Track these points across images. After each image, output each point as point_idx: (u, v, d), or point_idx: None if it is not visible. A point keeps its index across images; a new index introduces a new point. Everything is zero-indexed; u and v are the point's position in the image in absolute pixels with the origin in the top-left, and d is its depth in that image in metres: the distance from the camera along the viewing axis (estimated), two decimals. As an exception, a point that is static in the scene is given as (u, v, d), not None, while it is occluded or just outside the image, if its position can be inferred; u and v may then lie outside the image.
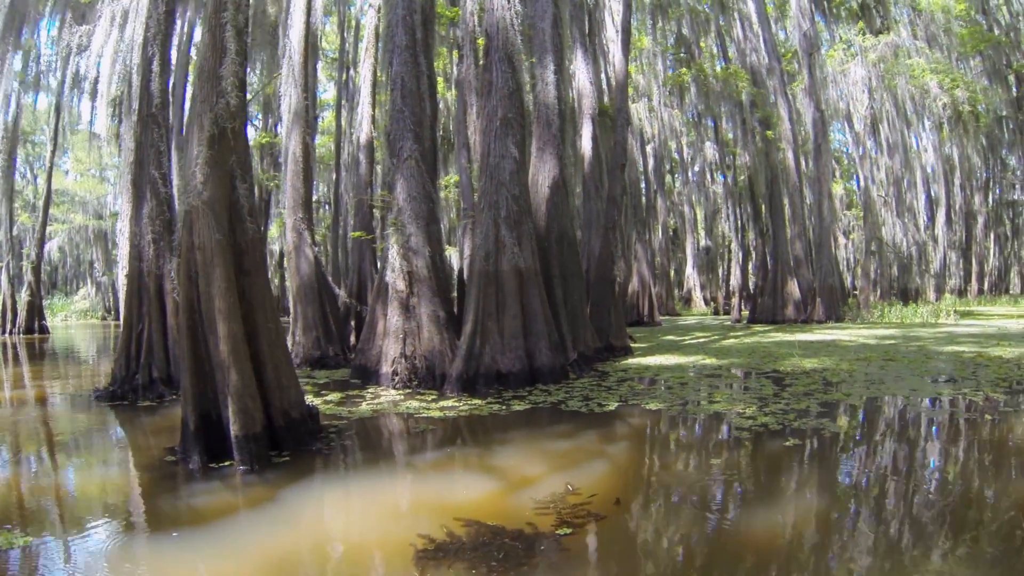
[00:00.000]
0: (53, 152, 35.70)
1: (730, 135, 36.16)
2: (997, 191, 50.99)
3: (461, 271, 14.67)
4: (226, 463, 7.04)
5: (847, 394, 10.83)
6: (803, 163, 34.95)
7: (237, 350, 7.19)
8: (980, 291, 47.65)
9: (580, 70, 22.44)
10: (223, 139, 7.79)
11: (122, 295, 15.93)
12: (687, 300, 45.02)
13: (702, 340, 22.50)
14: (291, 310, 16.31)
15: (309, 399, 10.99)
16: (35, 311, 34.15)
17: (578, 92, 22.79)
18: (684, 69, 30.46)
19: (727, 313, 39.34)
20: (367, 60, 22.79)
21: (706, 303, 45.54)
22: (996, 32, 42.18)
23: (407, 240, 12.78)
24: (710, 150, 39.82)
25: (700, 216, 48.33)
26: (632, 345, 19.07)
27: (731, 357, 16.68)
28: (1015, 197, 52.22)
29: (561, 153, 16.05)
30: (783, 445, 7.70)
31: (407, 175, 13.29)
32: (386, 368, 12.34)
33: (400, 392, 11.85)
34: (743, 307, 32.43)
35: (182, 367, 7.48)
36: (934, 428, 8.82)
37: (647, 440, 8.91)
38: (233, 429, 7.01)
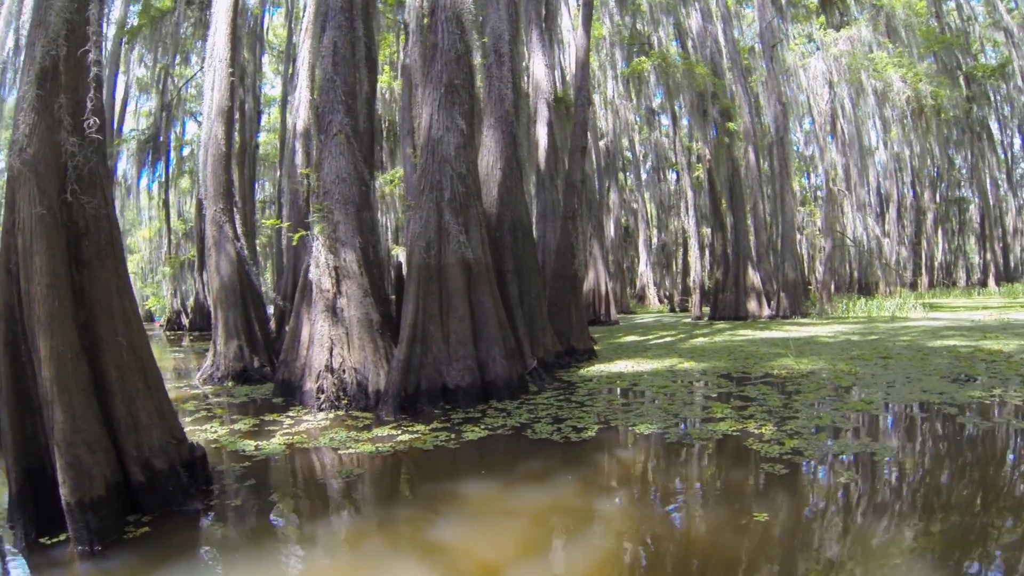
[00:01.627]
0: None
1: (686, 130, 34.24)
2: (943, 188, 50.10)
3: (400, 267, 12.20)
4: (62, 536, 4.96)
5: (868, 402, 8.83)
6: (762, 158, 33.22)
7: (63, 377, 5.02)
8: (930, 284, 46.64)
9: (536, 52, 20.15)
10: (57, 74, 5.47)
11: None
12: (640, 298, 42.91)
13: (668, 340, 20.40)
14: (212, 316, 13.61)
15: (212, 428, 8.51)
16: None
17: (533, 75, 20.51)
18: (644, 58, 28.33)
19: (684, 310, 37.40)
20: (307, 40, 20.19)
21: (660, 300, 43.60)
22: (947, 35, 41.34)
23: (334, 229, 10.29)
24: (665, 145, 37.90)
25: (652, 212, 46.42)
26: (595, 347, 16.76)
27: (709, 359, 14.48)
28: (961, 194, 51.52)
29: (515, 131, 13.68)
30: (839, 482, 5.57)
31: (335, 152, 10.80)
32: (310, 384, 9.82)
33: (327, 415, 9.34)
34: (703, 304, 30.41)
35: (0, 400, 5.23)
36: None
37: (651, 486, 6.35)
38: (62, 492, 4.87)
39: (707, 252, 34.44)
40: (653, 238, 44.69)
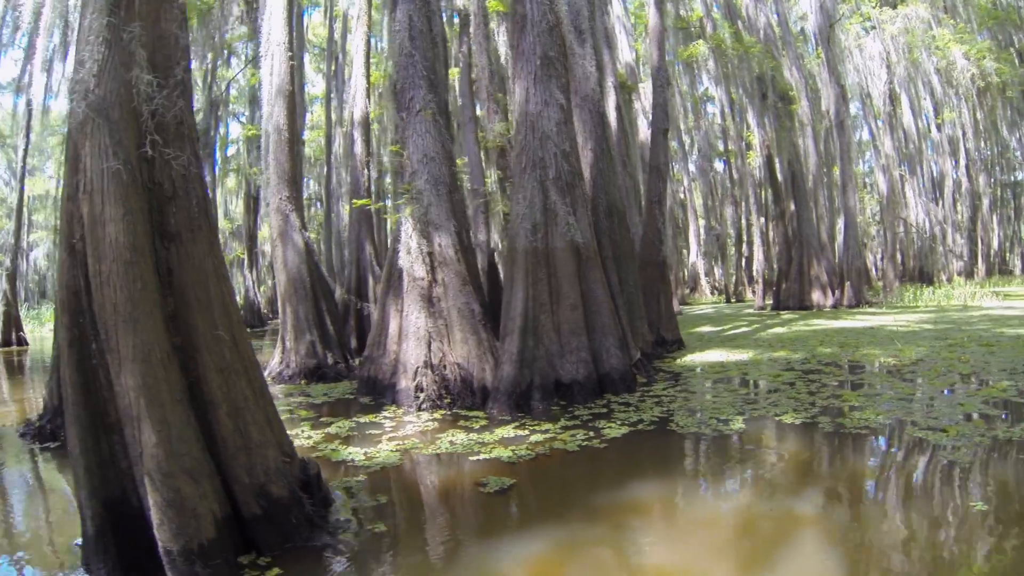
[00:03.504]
0: (26, 152, 31.89)
1: (738, 115, 32.75)
2: (997, 171, 47.85)
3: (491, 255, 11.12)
4: None
5: (1002, 388, 8.15)
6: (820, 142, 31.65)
7: (153, 384, 3.87)
8: (987, 272, 44.55)
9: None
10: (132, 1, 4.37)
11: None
12: (692, 288, 41.46)
13: (745, 329, 19.22)
14: (280, 311, 12.59)
15: (304, 433, 7.45)
16: (12, 322, 30.34)
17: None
18: (700, 41, 26.99)
19: (740, 300, 35.99)
20: (359, 29, 19.28)
21: (712, 291, 42.10)
22: (999, 11, 39.33)
23: (425, 212, 9.22)
24: (715, 133, 36.48)
25: (699, 202, 44.89)
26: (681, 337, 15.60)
27: (802, 349, 13.44)
28: (1017, 178, 49.23)
29: (603, 111, 12.57)
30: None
31: (421, 131, 9.75)
32: (405, 382, 8.75)
33: (431, 415, 8.25)
34: (765, 294, 28.96)
35: (67, 416, 4.02)
36: None
37: (841, 482, 5.37)
38: (159, 537, 3.66)
39: (771, 240, 32.96)
40: (701, 228, 43.21)
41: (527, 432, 7.13)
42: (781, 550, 4.12)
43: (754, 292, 39.38)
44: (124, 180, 4.10)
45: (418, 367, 8.60)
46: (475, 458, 6.22)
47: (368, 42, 18.45)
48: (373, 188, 18.09)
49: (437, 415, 8.25)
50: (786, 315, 24.61)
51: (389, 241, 29.08)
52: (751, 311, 27.78)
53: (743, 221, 37.79)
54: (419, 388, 8.54)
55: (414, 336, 8.80)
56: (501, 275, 12.79)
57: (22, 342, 30.64)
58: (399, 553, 4.32)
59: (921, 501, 4.79)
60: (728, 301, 37.03)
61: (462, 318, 8.82)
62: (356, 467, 6.14)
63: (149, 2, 4.44)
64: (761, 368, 11.28)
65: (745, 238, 38.11)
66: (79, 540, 4.15)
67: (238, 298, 32.95)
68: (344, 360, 12.30)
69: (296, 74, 15.51)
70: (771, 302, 28.26)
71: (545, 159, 9.22)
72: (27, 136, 31.37)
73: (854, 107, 45.92)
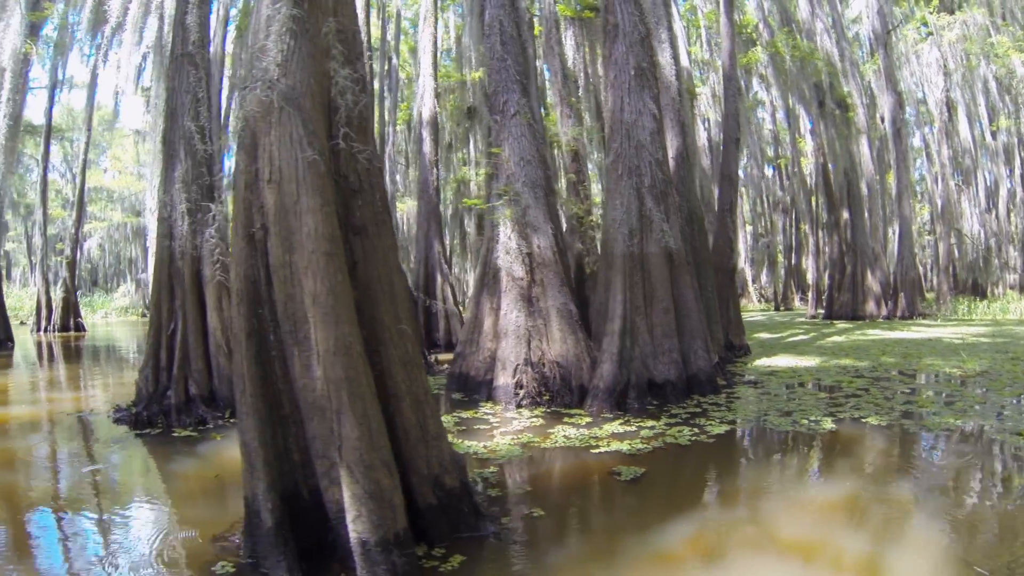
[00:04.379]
0: (87, 146, 33.02)
1: (784, 122, 32.76)
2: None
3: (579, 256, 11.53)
4: None
5: None
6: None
7: (355, 378, 3.93)
8: (1041, 286, 43.85)
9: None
10: None
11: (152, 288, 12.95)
12: (739, 295, 41.52)
13: (803, 337, 19.47)
14: None
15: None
16: (71, 308, 31.39)
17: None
18: (759, 47, 27.14)
19: (787, 308, 36.01)
20: (426, 29, 19.79)
21: (759, 298, 42.11)
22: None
23: (523, 213, 9.68)
24: (764, 139, 36.50)
25: (746, 208, 44.89)
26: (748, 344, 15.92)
27: (866, 357, 13.81)
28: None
29: (684, 120, 12.92)
30: None
31: (517, 134, 10.21)
32: (504, 379, 9.20)
33: (531, 412, 8.69)
34: (818, 303, 29.03)
35: (242, 408, 4.10)
36: None
37: (934, 473, 5.90)
38: (354, 529, 3.72)
39: (823, 249, 32.93)
40: (748, 235, 43.23)
41: (634, 428, 7.56)
42: (896, 526, 4.65)
43: (803, 300, 39.39)
44: (321, 170, 4.18)
45: (518, 364, 9.05)
46: (595, 451, 6.64)
47: (435, 43, 18.94)
48: (440, 187, 18.54)
49: (537, 412, 8.69)
50: (840, 324, 24.70)
51: (449, 240, 29.43)
52: (803, 319, 27.89)
53: (791, 229, 37.78)
54: (519, 385, 8.99)
55: (513, 334, 9.25)
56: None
57: (80, 328, 31.72)
58: (565, 537, 4.68)
59: (1012, 487, 5.44)
60: (777, 309, 37.08)
61: (560, 317, 9.25)
62: (482, 459, 6.48)
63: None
64: (831, 374, 11.65)
65: (792, 245, 38.11)
66: (234, 535, 4.37)
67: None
68: (423, 357, 12.74)
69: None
70: (823, 311, 28.31)
71: (640, 167, 9.63)
72: (88, 130, 32.49)
73: (908, 112, 45.60)
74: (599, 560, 4.21)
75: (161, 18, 11.98)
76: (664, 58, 13.00)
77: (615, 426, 7.66)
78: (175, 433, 8.01)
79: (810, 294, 29.14)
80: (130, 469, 6.95)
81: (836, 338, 18.89)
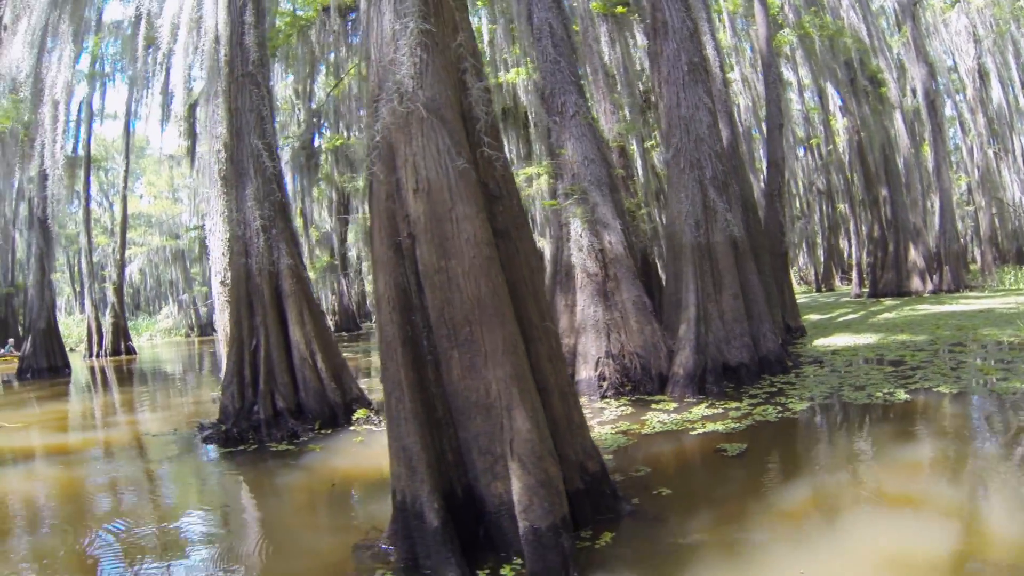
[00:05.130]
0: (126, 173, 34.11)
1: (812, 99, 32.82)
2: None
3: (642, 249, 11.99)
4: (487, 568, 4.06)
5: None
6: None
7: (523, 376, 4.22)
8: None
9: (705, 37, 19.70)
10: (440, 6, 4.78)
11: (218, 305, 13.45)
12: (783, 279, 41.62)
13: (853, 316, 19.73)
14: None
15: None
16: (120, 332, 32.41)
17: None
18: (787, 29, 27.34)
19: (829, 289, 36.08)
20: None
21: (798, 280, 42.17)
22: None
23: (592, 211, 10.18)
24: (798, 118, 36.56)
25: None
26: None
27: (921, 332, 14.11)
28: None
29: (730, 109, 13.32)
30: None
31: (578, 134, 10.70)
32: (586, 372, 9.70)
33: (618, 402, 9.16)
34: (861, 282, 29.12)
35: (400, 414, 4.29)
36: None
37: (1012, 432, 6.35)
38: (526, 518, 3.92)
39: (851, 227, 32.98)
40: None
41: (720, 410, 8.05)
42: (988, 478, 5.18)
43: (843, 280, 39.40)
44: (473, 178, 4.43)
45: (599, 357, 9.54)
46: (693, 433, 7.14)
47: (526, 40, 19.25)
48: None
49: (623, 401, 9.17)
50: (887, 302, 24.83)
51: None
52: (848, 299, 28.02)
53: (827, 209, 37.83)
54: (602, 377, 9.48)
55: (592, 328, 9.75)
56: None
57: (130, 351, 32.69)
58: (695, 509, 5.07)
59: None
60: (819, 290, 37.20)
61: (636, 310, 9.73)
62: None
63: (452, 11, 4.87)
64: (892, 350, 11.99)
65: (828, 224, 38.15)
66: (375, 542, 4.52)
67: (333, 303, 34.60)
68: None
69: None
70: (867, 290, 28.41)
71: (701, 160, 10.09)
72: (127, 158, 33.54)
73: (938, 84, 45.22)
74: (732, 523, 4.68)
75: (217, 39, 12.53)
76: (709, 50, 13.41)
77: (702, 409, 8.14)
78: (271, 448, 8.20)
79: (853, 273, 29.27)
80: (240, 486, 7.12)
81: (886, 315, 19.10)
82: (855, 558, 3.94)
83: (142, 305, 55.61)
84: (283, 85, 31.71)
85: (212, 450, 8.49)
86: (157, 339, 43.30)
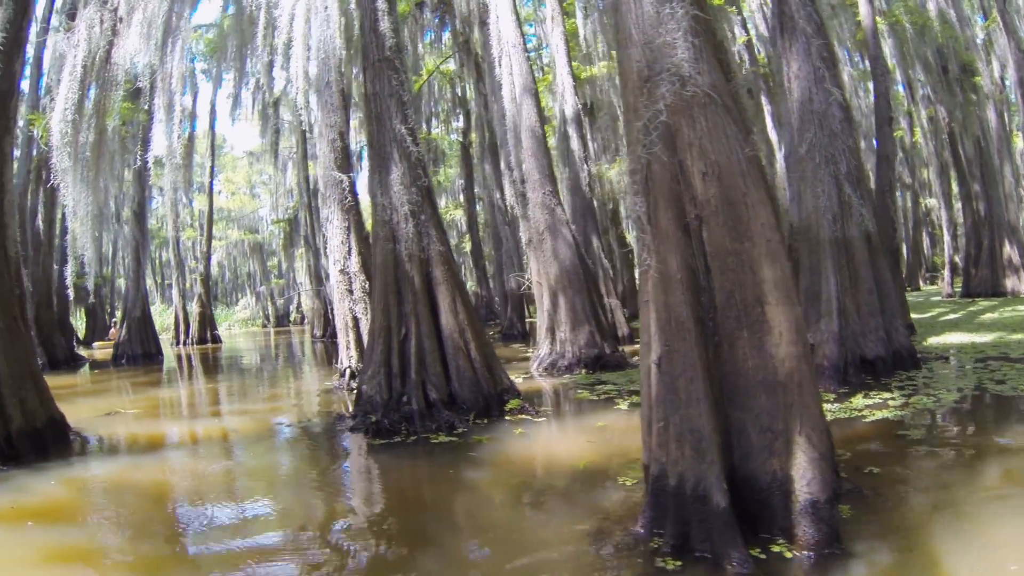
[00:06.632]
0: (212, 168, 35.46)
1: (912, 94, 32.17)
2: None
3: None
4: (755, 548, 4.09)
5: None
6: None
7: (807, 353, 4.48)
8: None
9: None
10: None
11: (337, 294, 13.81)
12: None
13: (953, 316, 19.53)
14: (545, 303, 13.93)
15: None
16: (206, 321, 33.63)
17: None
18: (877, 18, 26.94)
19: (914, 288, 35.40)
20: (556, 29, 20.65)
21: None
22: None
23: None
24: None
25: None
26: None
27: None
28: None
29: (845, 105, 13.36)
30: None
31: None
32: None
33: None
34: (953, 281, 28.49)
35: (691, 395, 4.28)
36: None
37: None
38: (808, 491, 4.13)
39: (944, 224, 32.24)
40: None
41: (876, 400, 8.33)
42: None
43: (926, 280, 38.61)
44: (760, 164, 4.63)
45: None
46: (866, 420, 7.42)
47: (567, 41, 19.64)
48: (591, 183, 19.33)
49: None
50: (983, 302, 24.30)
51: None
52: (939, 298, 27.48)
53: (911, 204, 37.10)
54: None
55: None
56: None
57: (216, 340, 33.87)
58: (910, 479, 5.52)
59: None
60: (905, 288, 36.40)
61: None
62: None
63: None
64: (1014, 348, 12.00)
65: (912, 221, 37.40)
66: (632, 527, 4.57)
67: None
68: (615, 348, 13.56)
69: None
70: (959, 289, 27.78)
71: (835, 155, 10.27)
72: (212, 155, 34.86)
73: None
74: (947, 496, 5.01)
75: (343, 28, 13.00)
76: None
77: (859, 399, 8.42)
78: (433, 440, 8.01)
79: (945, 271, 28.65)
80: (428, 481, 7.02)
81: (990, 315, 18.85)
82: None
83: (219, 297, 57.63)
84: (357, 84, 32.69)
85: (366, 441, 8.30)
86: (235, 329, 44.89)
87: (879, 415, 7.44)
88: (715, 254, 4.47)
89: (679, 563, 4.01)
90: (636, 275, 35.84)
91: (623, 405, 9.47)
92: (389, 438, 8.24)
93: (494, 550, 4.79)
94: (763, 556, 3.99)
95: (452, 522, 5.64)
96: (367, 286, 13.24)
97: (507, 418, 8.99)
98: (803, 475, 4.15)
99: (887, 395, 8.46)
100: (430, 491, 6.69)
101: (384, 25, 10.14)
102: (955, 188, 29.72)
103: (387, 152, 9.79)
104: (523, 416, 9.05)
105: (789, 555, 4.00)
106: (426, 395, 8.91)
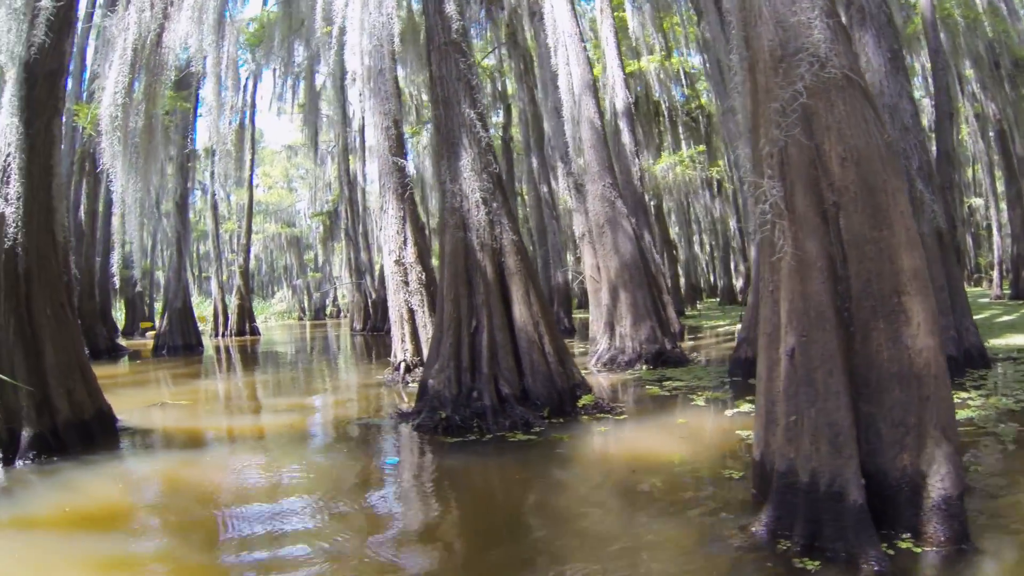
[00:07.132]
0: (252, 161, 35.76)
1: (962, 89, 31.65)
2: None
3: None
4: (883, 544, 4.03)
5: None
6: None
7: (942, 346, 4.40)
8: None
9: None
10: None
11: (391, 285, 13.57)
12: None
13: (1008, 318, 19.21)
14: (603, 297, 13.90)
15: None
16: (245, 314, 34.04)
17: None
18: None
19: (957, 288, 34.85)
20: (605, 22, 20.61)
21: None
22: None
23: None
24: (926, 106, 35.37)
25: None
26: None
27: None
28: None
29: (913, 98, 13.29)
30: None
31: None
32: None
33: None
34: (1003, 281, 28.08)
35: (829, 389, 4.24)
36: None
37: None
38: (941, 487, 4.06)
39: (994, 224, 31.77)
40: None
41: (955, 400, 8.17)
42: None
43: (970, 281, 38.00)
44: (896, 152, 4.93)
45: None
46: (971, 414, 7.45)
47: (616, 34, 19.58)
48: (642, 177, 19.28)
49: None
50: (1033, 306, 23.91)
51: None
52: (987, 300, 27.03)
53: (955, 203, 36.45)
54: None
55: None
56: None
57: (255, 332, 34.24)
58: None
59: None
60: (956, 289, 35.86)
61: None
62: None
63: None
64: (1083, 349, 11.86)
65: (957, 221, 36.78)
66: (751, 527, 4.43)
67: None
68: (674, 344, 13.51)
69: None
70: (1008, 291, 27.32)
71: (907, 150, 10.21)
72: (252, 148, 35.22)
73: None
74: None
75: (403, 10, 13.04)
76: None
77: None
78: (510, 439, 7.66)
79: (994, 272, 28.18)
80: (521, 484, 6.55)
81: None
82: None
83: (256, 290, 58.40)
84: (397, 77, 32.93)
85: (436, 440, 7.92)
86: (271, 322, 45.40)
87: (962, 414, 7.36)
88: (852, 242, 4.38)
89: (817, 563, 3.91)
90: (680, 271, 35.27)
91: (699, 401, 9.43)
92: (462, 436, 7.85)
93: (616, 561, 4.31)
94: (891, 553, 3.96)
95: (560, 530, 5.01)
96: (423, 277, 13.27)
97: (582, 415, 8.71)
98: (936, 470, 4.07)
99: (964, 395, 8.39)
100: (526, 496, 6.15)
101: (450, 7, 9.84)
102: (999, 188, 29.40)
103: (456, 137, 9.44)
104: (598, 412, 8.79)
105: (918, 551, 3.99)
106: (498, 390, 8.53)
